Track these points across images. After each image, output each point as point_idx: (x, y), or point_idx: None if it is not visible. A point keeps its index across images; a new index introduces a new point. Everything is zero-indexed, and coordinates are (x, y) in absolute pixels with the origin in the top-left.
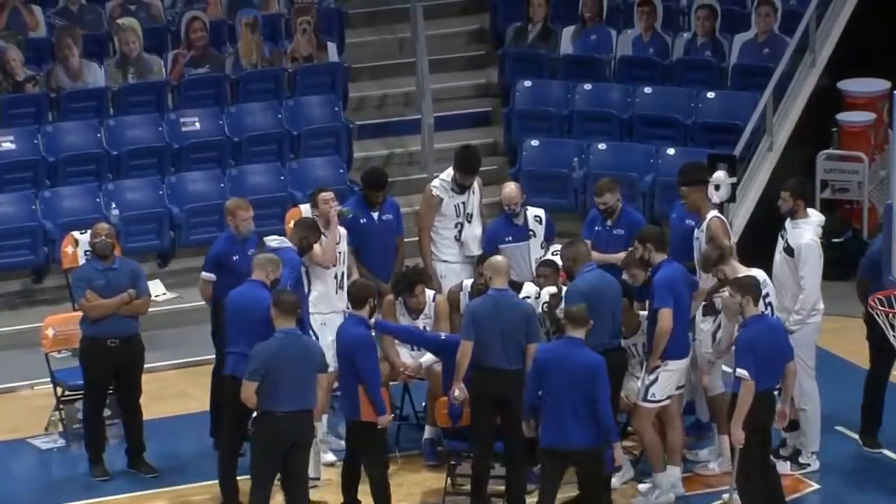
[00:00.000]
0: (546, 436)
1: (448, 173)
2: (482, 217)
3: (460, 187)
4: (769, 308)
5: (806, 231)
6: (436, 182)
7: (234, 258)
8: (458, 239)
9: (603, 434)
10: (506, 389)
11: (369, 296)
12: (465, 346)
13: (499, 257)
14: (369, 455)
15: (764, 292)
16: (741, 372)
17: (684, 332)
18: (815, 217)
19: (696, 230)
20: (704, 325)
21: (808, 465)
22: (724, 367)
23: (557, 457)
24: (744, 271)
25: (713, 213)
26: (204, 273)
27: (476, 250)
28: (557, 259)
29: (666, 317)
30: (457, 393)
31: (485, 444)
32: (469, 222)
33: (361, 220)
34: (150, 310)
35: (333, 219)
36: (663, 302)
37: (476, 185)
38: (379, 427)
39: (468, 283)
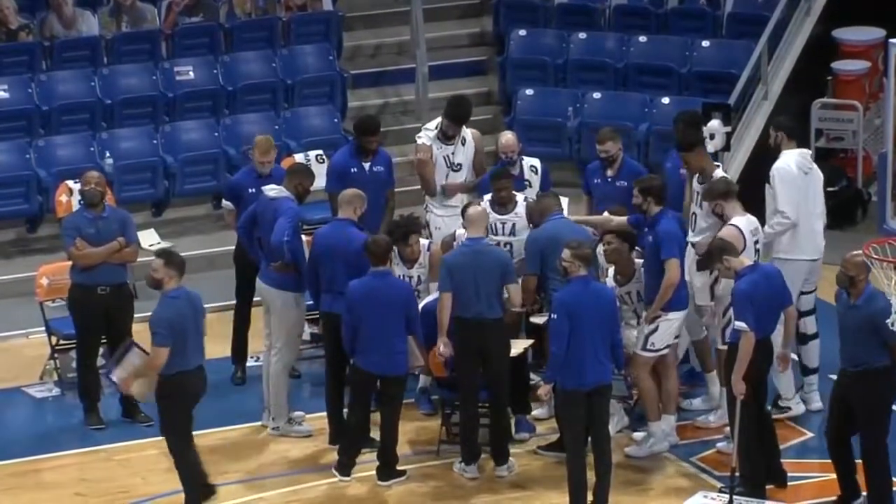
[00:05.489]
0: (585, 378)
1: (434, 123)
2: (473, 170)
3: (446, 137)
4: (757, 255)
5: (785, 156)
6: (421, 133)
7: (250, 191)
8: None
9: (617, 363)
10: (486, 339)
11: (389, 250)
12: (444, 297)
13: (477, 207)
14: (397, 405)
15: (754, 238)
16: (740, 324)
17: (684, 283)
18: (799, 150)
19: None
20: (698, 280)
21: (790, 409)
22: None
23: (580, 397)
24: (739, 216)
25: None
26: (223, 201)
27: (457, 202)
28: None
29: (675, 267)
30: (442, 348)
31: (471, 394)
32: (456, 172)
33: (352, 170)
34: (144, 259)
35: None
36: (672, 253)
37: (470, 137)
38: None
39: (461, 232)
